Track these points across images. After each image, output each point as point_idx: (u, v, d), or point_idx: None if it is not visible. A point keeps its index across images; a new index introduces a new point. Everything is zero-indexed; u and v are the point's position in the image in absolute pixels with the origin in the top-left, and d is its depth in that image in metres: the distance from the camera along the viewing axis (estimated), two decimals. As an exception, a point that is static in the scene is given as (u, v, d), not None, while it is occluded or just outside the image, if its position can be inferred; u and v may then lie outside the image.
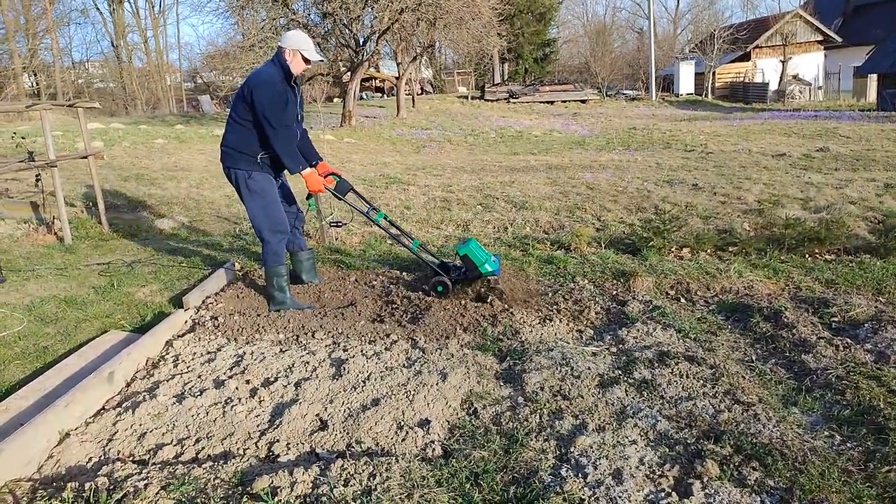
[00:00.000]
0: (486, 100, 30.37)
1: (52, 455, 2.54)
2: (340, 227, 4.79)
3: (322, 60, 4.29)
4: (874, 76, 27.42)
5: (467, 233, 6.11)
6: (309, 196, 4.36)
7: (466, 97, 31.09)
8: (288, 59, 3.97)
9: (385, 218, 4.49)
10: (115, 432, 2.70)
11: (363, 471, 2.30)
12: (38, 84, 32.76)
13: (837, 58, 35.50)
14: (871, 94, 28.78)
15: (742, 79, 35.29)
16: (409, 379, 3.08)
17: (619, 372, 3.14)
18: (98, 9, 41.07)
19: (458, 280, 4.29)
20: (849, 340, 3.43)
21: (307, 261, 4.65)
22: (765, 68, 35.34)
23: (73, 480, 2.31)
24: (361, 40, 19.93)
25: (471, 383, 3.07)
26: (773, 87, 33.26)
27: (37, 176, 6.56)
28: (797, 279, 4.45)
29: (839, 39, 35.88)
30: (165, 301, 4.46)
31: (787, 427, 2.59)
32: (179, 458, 2.53)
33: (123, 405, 2.92)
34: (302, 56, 3.99)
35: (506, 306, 4.07)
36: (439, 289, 4.25)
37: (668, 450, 2.45)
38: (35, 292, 4.52)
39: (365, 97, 32.40)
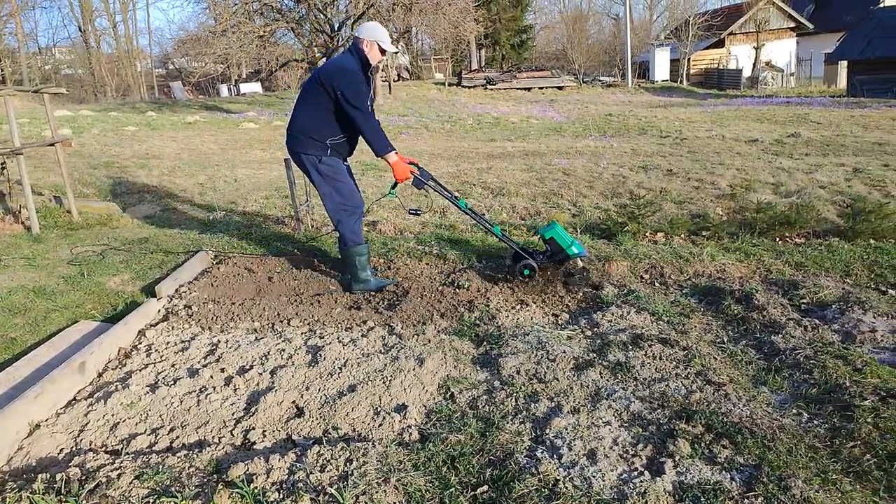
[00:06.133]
0: (463, 86, 30.20)
1: (22, 447, 2.50)
2: (419, 215, 4.77)
3: (397, 52, 4.32)
4: (844, 63, 27.85)
5: (444, 219, 6.10)
6: (394, 185, 4.32)
7: (443, 84, 30.89)
8: (366, 50, 4.00)
9: (467, 206, 4.46)
10: (87, 423, 2.66)
11: (340, 456, 2.30)
12: (2, 70, 31.86)
13: (809, 44, 36.00)
14: (842, 81, 29.26)
15: (716, 65, 35.61)
16: (385, 365, 3.08)
17: (594, 355, 3.18)
18: (64, -8, 39.94)
19: (544, 263, 4.28)
20: (817, 321, 3.50)
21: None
22: (738, 55, 35.71)
23: (44, 472, 2.27)
24: (336, 25, 19.69)
25: (448, 368, 3.08)
26: (747, 73, 33.62)
27: (2, 164, 6.39)
28: (768, 262, 4.53)
29: (811, 26, 36.38)
30: (137, 290, 4.39)
31: (757, 406, 2.65)
32: (153, 448, 2.50)
33: (95, 396, 2.88)
34: (379, 47, 4.02)
35: (586, 289, 4.14)
36: (526, 272, 4.21)
37: (641, 430, 2.49)
38: (2, 283, 4.41)
39: (341, 83, 31.97)
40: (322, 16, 19.17)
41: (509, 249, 4.48)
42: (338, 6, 19.91)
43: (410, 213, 4.78)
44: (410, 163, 4.27)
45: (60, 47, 45.13)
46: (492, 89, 29.67)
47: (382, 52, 4.07)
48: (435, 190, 4.37)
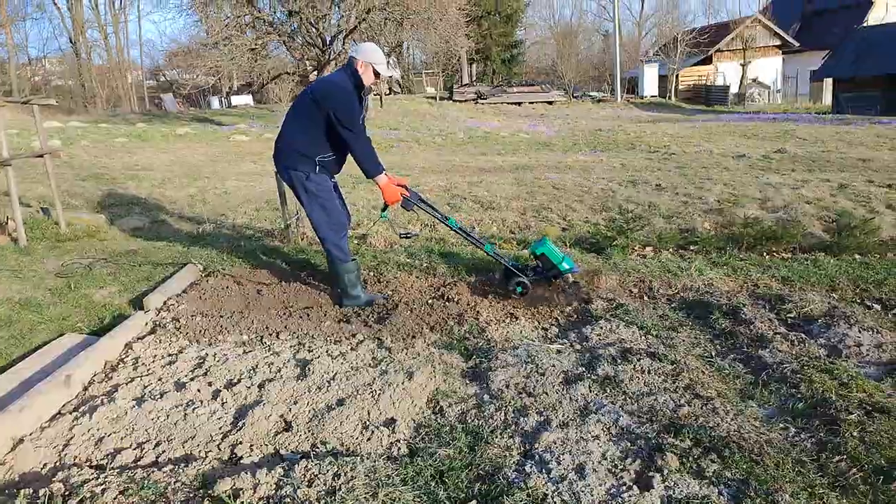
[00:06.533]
0: (454, 100, 30.44)
1: (5, 462, 2.46)
2: (411, 237, 4.73)
3: (391, 76, 4.33)
4: (829, 80, 28.33)
5: (434, 232, 6.11)
6: (385, 207, 4.29)
7: (435, 98, 31.11)
8: (360, 71, 3.99)
9: (457, 224, 4.47)
10: (72, 437, 2.63)
11: (328, 471, 2.28)
12: (-8, 81, 31.74)
13: (795, 62, 36.58)
14: (827, 98, 29.72)
15: (704, 81, 36.10)
16: (374, 378, 3.07)
17: (583, 369, 3.18)
18: (56, 4, 39.88)
19: (536, 279, 4.29)
20: (803, 335, 3.53)
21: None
22: (726, 72, 36.21)
23: (27, 487, 2.24)
24: (328, 39, 19.78)
25: (437, 382, 3.08)
26: (734, 89, 34.10)
27: (-10, 175, 6.33)
28: (755, 277, 4.56)
29: (797, 44, 36.99)
30: (125, 303, 4.36)
31: (745, 420, 2.66)
32: (139, 463, 2.47)
33: (80, 409, 2.85)
34: (374, 69, 4.01)
35: (576, 303, 4.16)
36: (519, 289, 4.22)
37: (629, 444, 2.50)
38: (-13, 295, 4.37)
39: (332, 97, 32.10)
40: (314, 29, 19.27)
41: (498, 264, 4.49)
42: (330, 20, 20.04)
43: (401, 237, 4.76)
44: (400, 184, 4.28)
45: (51, 58, 45.02)
46: (482, 104, 29.90)
47: (377, 74, 4.06)
48: (425, 210, 4.37)
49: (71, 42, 39.89)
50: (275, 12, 20.58)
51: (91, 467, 2.43)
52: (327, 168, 4.14)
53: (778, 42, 37.22)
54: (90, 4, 41.04)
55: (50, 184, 6.20)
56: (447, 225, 4.40)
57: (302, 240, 5.80)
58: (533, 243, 4.46)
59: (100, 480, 2.25)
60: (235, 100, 34.04)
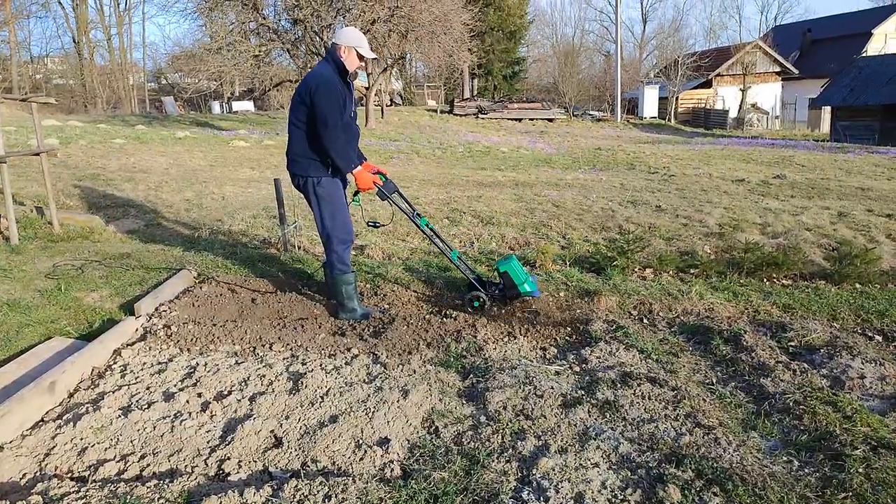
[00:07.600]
0: (455, 114, 30.54)
1: (-18, 470, 2.37)
2: (378, 227, 4.73)
3: (376, 58, 4.29)
4: (828, 108, 28.56)
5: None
6: (356, 193, 4.24)
7: (436, 111, 31.22)
8: (343, 56, 3.96)
9: (427, 225, 4.40)
10: (54, 446, 2.55)
11: (318, 491, 2.20)
12: (-8, 77, 31.69)
13: (794, 89, 36.95)
14: (825, 126, 29.98)
15: (704, 105, 36.36)
16: (369, 395, 3.00)
17: (582, 392, 3.11)
18: (60, 3, 39.95)
19: (495, 297, 4.20)
20: (805, 365, 3.48)
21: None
22: (725, 96, 36.51)
23: (4, 498, 2.16)
24: (332, 49, 19.82)
25: (433, 401, 3.00)
26: (733, 114, 34.35)
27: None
28: (756, 303, 4.51)
29: (796, 71, 37.37)
30: (116, 307, 4.27)
31: (747, 451, 2.59)
32: (122, 476, 2.39)
33: (64, 417, 2.77)
34: (357, 53, 3.98)
35: (534, 326, 4.05)
36: (475, 304, 4.16)
37: (630, 473, 2.43)
38: (-25, 294, 4.27)
39: (333, 106, 32.17)
40: (318, 38, 19.30)
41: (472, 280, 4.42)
42: (334, 30, 20.07)
43: (369, 226, 4.74)
44: (378, 173, 4.22)
45: (53, 57, 45.02)
46: (483, 118, 30.02)
47: (361, 57, 4.03)
48: (397, 205, 4.32)
49: (74, 42, 39.97)
50: (280, 20, 20.64)
51: (72, 479, 2.35)
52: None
53: (778, 69, 37.60)
54: (95, 5, 41.25)
55: (45, 183, 6.12)
56: (416, 224, 4.34)
57: (299, 248, 5.73)
58: (499, 260, 4.40)
59: (80, 494, 2.17)
60: (237, 105, 34.09)
